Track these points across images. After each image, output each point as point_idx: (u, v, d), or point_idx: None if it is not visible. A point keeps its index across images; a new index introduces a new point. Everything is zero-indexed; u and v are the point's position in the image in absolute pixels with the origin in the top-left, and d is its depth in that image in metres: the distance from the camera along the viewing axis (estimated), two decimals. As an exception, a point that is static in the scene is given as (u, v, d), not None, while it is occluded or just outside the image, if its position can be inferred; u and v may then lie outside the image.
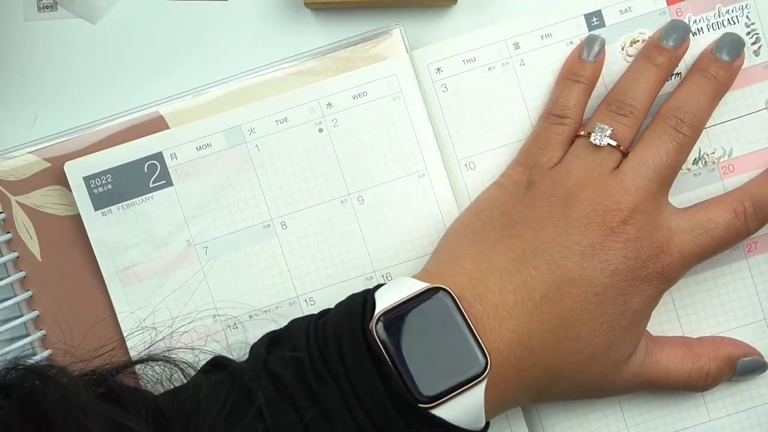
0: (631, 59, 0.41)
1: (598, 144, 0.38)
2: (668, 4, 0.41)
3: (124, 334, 0.41)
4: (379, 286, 0.37)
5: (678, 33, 0.40)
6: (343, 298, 0.39)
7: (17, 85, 0.44)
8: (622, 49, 0.41)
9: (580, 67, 0.40)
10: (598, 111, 0.39)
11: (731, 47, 0.39)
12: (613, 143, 0.38)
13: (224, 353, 0.41)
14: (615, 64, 0.41)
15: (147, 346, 0.38)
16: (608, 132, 0.38)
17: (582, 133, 0.39)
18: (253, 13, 0.43)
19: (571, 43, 0.41)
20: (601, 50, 0.40)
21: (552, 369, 0.36)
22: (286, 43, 0.43)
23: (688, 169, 0.41)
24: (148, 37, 0.43)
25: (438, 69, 0.42)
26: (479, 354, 0.34)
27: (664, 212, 0.38)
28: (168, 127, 0.42)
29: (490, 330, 0.35)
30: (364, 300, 0.36)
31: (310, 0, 0.42)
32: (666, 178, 0.38)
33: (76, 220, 0.42)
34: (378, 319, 0.35)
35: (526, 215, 0.37)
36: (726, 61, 0.39)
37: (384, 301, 0.35)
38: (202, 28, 0.43)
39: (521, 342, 0.35)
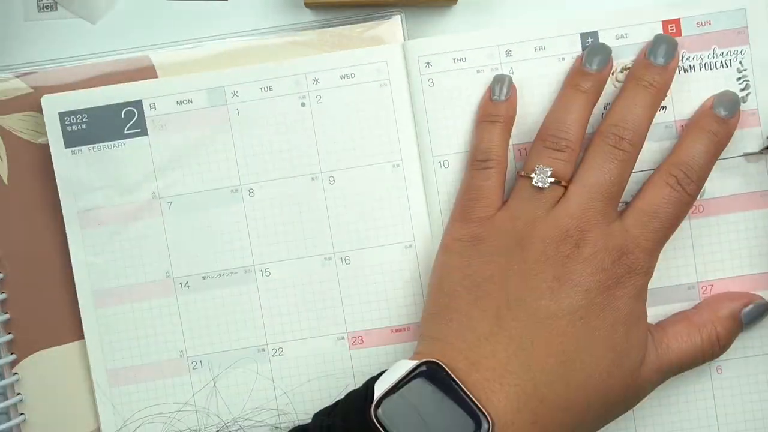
0: (619, 85, 0.41)
1: (541, 186, 0.38)
2: (665, 36, 0.41)
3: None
4: (381, 374, 0.37)
5: (600, 56, 0.40)
6: (299, 273, 0.41)
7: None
8: (612, 73, 0.42)
9: (494, 108, 0.40)
10: (534, 149, 0.39)
11: (665, 49, 0.40)
12: (554, 181, 0.38)
13: (174, 315, 0.42)
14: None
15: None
16: (549, 172, 0.38)
17: (522, 173, 0.39)
18: (253, 13, 0.43)
19: (563, 59, 0.41)
20: (511, 88, 0.41)
21: (571, 407, 0.36)
22: (283, 17, 0.43)
23: None
24: (148, 37, 0.43)
25: (428, 63, 0.42)
26: (481, 417, 0.34)
27: (613, 221, 0.38)
28: (156, 75, 0.42)
29: (491, 392, 0.35)
30: (366, 389, 0.36)
31: (311, 0, 0.42)
32: (612, 195, 0.38)
33: (49, 150, 0.41)
34: (377, 405, 0.35)
35: (486, 272, 0.38)
36: (660, 65, 0.40)
37: (381, 386, 0.36)
38: (202, 28, 0.43)
39: (527, 392, 0.35)
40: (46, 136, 0.42)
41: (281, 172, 0.42)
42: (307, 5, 0.42)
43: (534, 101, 0.41)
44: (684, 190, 0.38)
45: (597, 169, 0.38)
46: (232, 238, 0.42)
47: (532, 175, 0.38)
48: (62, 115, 0.41)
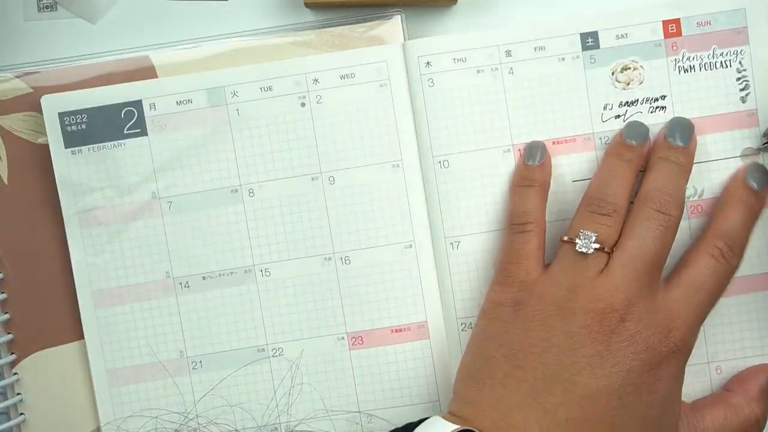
0: (619, 85, 0.42)
1: (585, 252, 0.37)
2: (665, 37, 0.41)
3: (76, 281, 0.41)
4: (411, 427, 0.37)
5: (639, 133, 0.40)
6: (299, 273, 0.41)
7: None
8: (612, 73, 0.42)
9: (529, 172, 0.40)
10: (578, 214, 0.39)
11: (683, 132, 0.40)
12: (600, 247, 0.37)
13: (174, 315, 0.42)
14: (602, 86, 0.41)
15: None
16: (593, 238, 0.37)
17: (566, 239, 0.38)
18: (253, 13, 0.43)
19: (563, 59, 0.41)
20: (545, 154, 0.41)
21: None
22: (283, 17, 0.43)
23: None
24: (148, 37, 0.43)
25: (427, 63, 0.42)
26: None
27: (657, 293, 0.37)
28: (156, 75, 0.42)
29: None
30: None
31: (311, 0, 0.42)
32: (656, 263, 0.37)
33: (49, 150, 0.41)
34: None
35: (524, 341, 0.37)
36: (681, 146, 0.40)
37: None
38: (202, 28, 0.43)
39: None
40: (46, 136, 0.42)
41: (281, 173, 0.42)
42: (307, 5, 0.42)
43: (534, 102, 0.41)
44: (727, 261, 0.38)
45: (641, 238, 0.37)
46: (232, 238, 0.42)
47: (576, 240, 0.37)
48: (62, 115, 0.41)
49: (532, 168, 0.41)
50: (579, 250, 0.37)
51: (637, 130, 0.40)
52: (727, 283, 0.39)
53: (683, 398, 0.39)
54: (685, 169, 0.40)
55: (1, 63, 0.43)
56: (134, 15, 0.43)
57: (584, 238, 0.37)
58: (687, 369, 0.38)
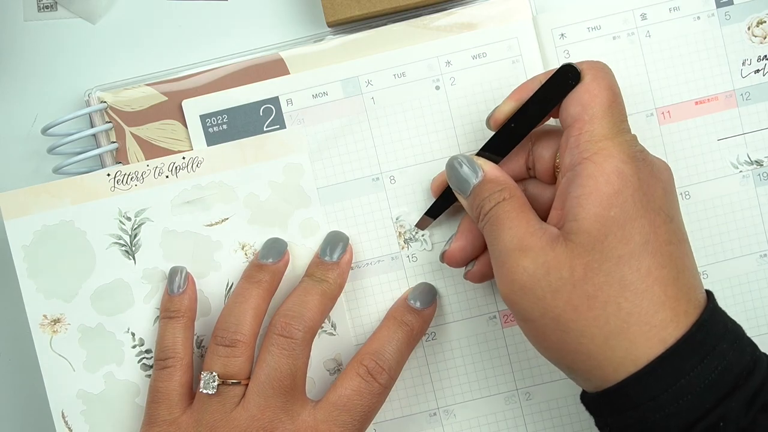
0: (756, 39, 0.41)
1: (210, 393, 0.37)
2: (800, -14, 0.41)
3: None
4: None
5: (274, 250, 0.40)
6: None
7: (17, 85, 0.43)
8: (748, 28, 0.41)
9: (173, 303, 0.40)
10: (210, 346, 0.38)
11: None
12: (228, 382, 0.37)
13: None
14: (739, 42, 0.41)
15: None
16: (215, 377, 0.37)
17: (201, 373, 0.38)
18: (254, 14, 0.43)
19: (698, 18, 0.41)
20: (187, 280, 0.40)
21: None
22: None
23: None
24: (148, 37, 0.43)
25: (562, 35, 0.41)
26: None
27: (300, 415, 0.37)
28: (288, 72, 0.42)
29: None
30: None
31: (333, 20, 0.41)
32: (290, 386, 0.37)
33: (190, 156, 0.42)
34: None
35: None
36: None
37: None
38: (202, 28, 0.43)
39: None
40: (184, 143, 0.42)
41: (421, 157, 0.42)
42: (330, 24, 0.41)
43: (674, 63, 0.41)
44: (375, 380, 0.38)
45: (267, 364, 0.37)
46: (377, 226, 0.42)
47: (200, 382, 0.37)
48: (203, 118, 0.41)
49: (176, 298, 0.40)
50: (203, 392, 0.37)
51: (272, 247, 0.40)
52: (379, 402, 0.38)
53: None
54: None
55: (1, 62, 0.43)
56: (134, 15, 0.43)
57: (206, 379, 0.37)
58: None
